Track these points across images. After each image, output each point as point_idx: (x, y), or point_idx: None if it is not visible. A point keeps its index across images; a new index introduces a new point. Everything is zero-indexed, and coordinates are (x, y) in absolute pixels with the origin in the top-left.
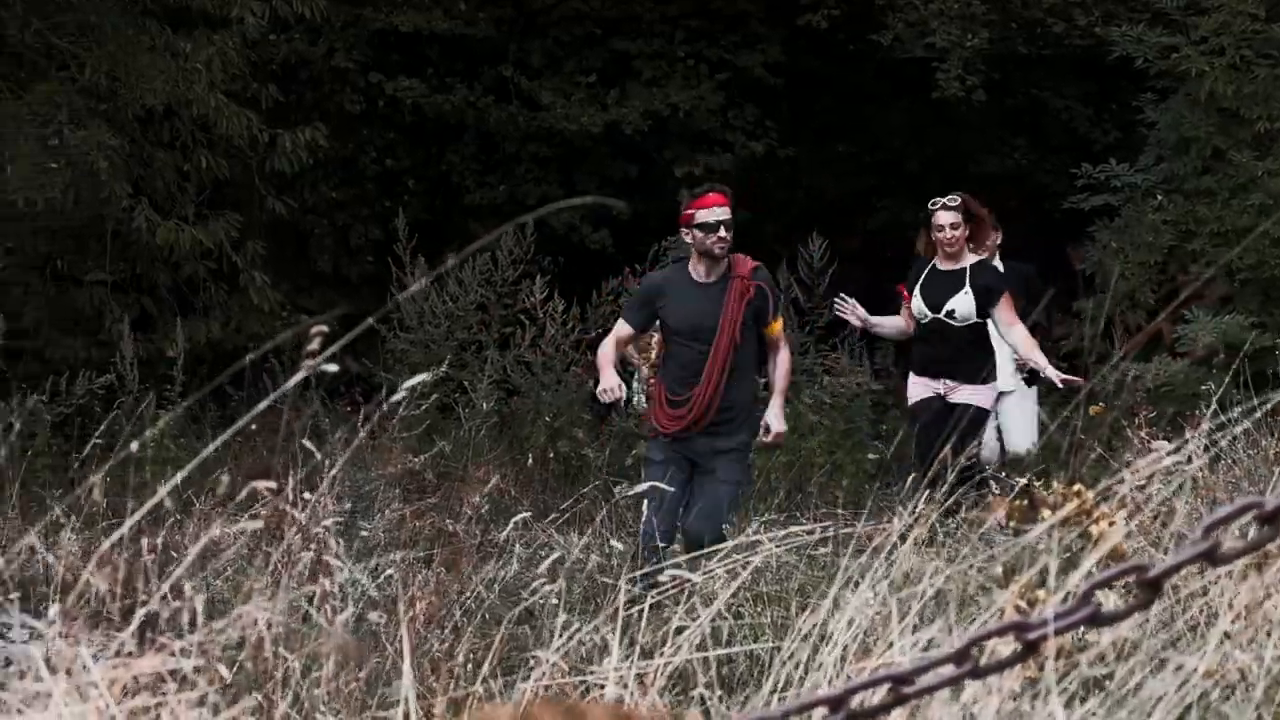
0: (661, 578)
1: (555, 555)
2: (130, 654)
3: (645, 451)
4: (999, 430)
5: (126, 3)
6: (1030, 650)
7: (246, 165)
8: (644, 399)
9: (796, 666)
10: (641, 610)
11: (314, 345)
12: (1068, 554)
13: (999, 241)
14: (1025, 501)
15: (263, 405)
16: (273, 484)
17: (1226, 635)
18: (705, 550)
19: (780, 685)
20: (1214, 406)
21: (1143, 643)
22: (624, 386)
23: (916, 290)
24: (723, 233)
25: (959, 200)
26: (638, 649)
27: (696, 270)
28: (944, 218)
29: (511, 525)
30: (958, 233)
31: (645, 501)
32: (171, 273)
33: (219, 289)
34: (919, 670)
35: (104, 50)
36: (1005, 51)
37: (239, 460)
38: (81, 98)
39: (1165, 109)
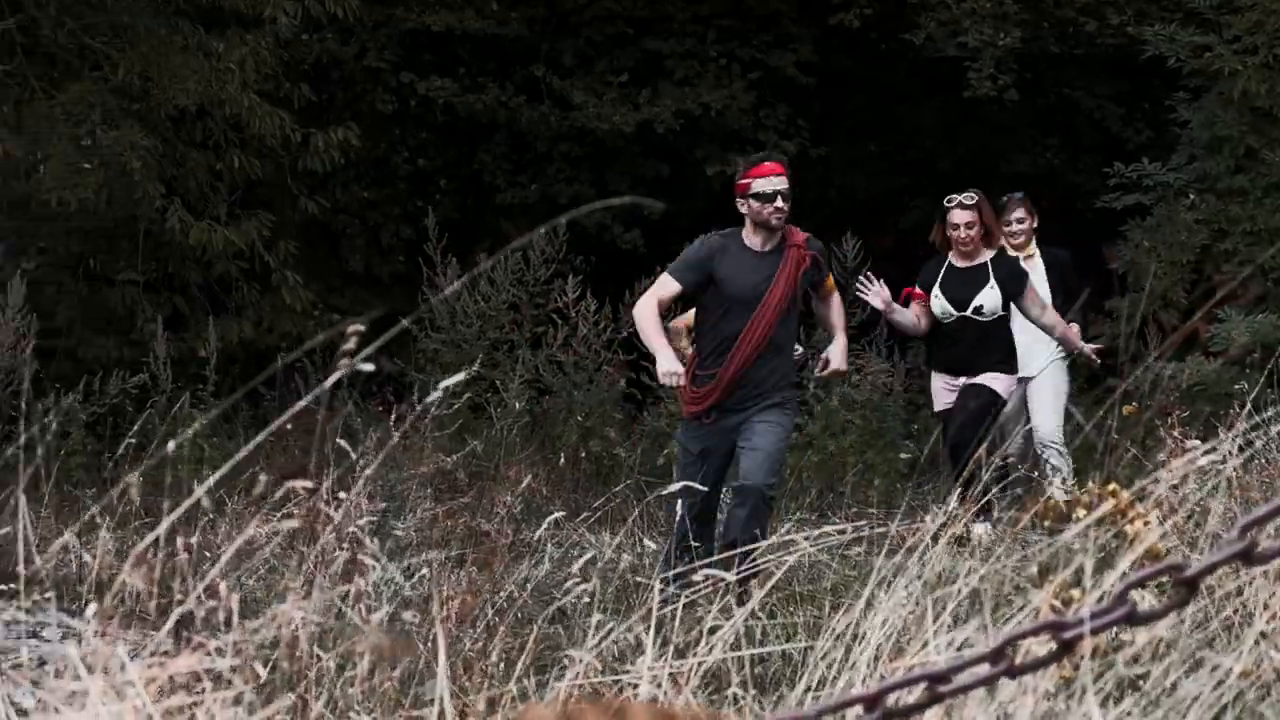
0: (695, 577)
1: (588, 555)
2: (166, 653)
3: (678, 439)
4: (1027, 418)
5: (159, 3)
6: (1066, 650)
7: (279, 165)
8: None
9: (830, 666)
10: (675, 610)
11: (350, 345)
12: (1103, 554)
13: (1034, 225)
14: (1059, 501)
15: (300, 405)
16: (309, 483)
17: (1262, 635)
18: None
19: (814, 685)
20: (1248, 406)
21: (1178, 643)
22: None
23: (936, 290)
24: (779, 203)
25: (975, 199)
26: (671, 648)
27: (751, 240)
28: (959, 216)
29: (545, 525)
30: (973, 232)
31: (679, 500)
32: (204, 272)
33: (251, 288)
34: (955, 669)
35: (137, 51)
36: (1037, 51)
37: (271, 460)
38: (115, 98)
39: (1198, 108)
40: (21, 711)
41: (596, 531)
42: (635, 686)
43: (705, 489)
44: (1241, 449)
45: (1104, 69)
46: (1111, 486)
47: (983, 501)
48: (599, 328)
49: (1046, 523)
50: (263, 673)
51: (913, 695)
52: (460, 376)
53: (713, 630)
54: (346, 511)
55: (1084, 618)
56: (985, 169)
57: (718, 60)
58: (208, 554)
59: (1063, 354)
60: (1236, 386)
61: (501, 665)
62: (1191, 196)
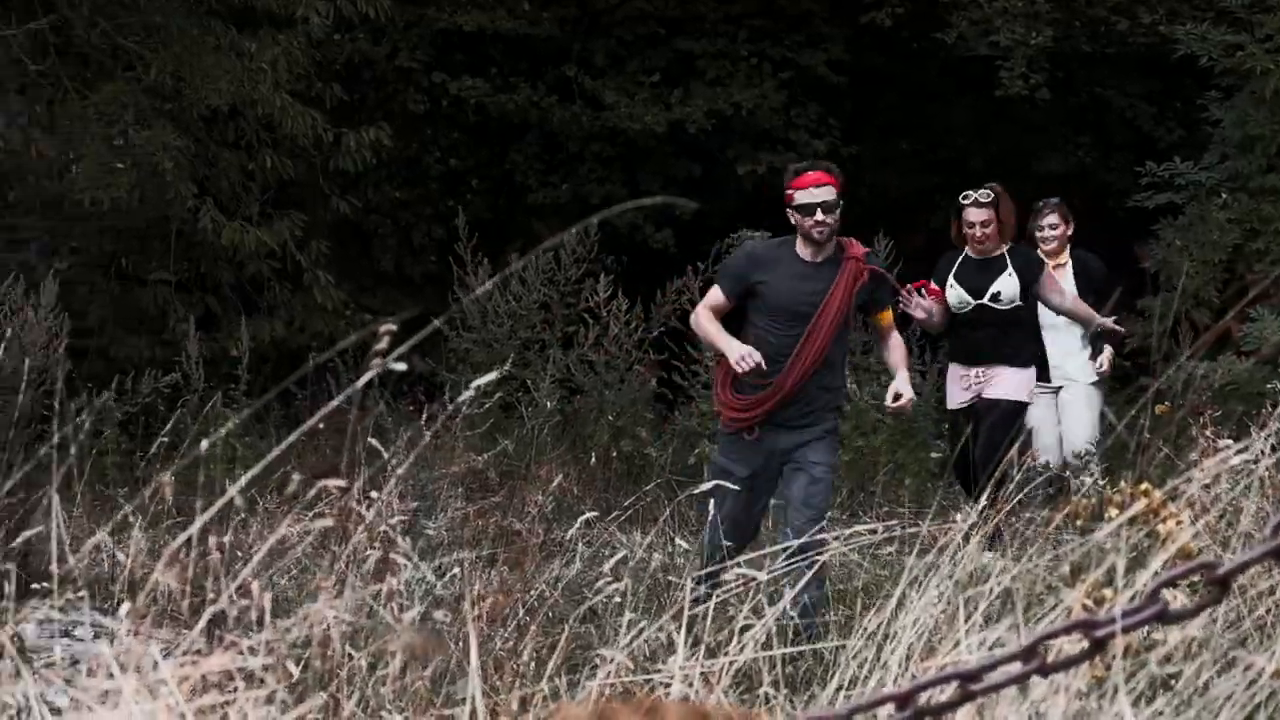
0: (725, 576)
1: (619, 555)
2: (199, 652)
3: (717, 459)
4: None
5: (192, 3)
6: (1098, 648)
7: (311, 165)
8: None
9: (861, 665)
10: (706, 609)
11: (382, 345)
12: (1135, 553)
13: (1069, 232)
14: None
15: (333, 404)
16: (341, 482)
17: None
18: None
19: (845, 684)
20: None
21: (1210, 642)
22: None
23: (951, 280)
24: (820, 215)
25: (992, 196)
26: (703, 648)
27: (803, 250)
28: (975, 215)
29: (577, 525)
30: (989, 230)
31: (711, 503)
32: (235, 272)
33: (283, 288)
34: (986, 668)
35: (169, 51)
36: (1069, 50)
37: (303, 459)
38: (147, 98)
39: (1230, 107)
40: (55, 710)
41: (628, 531)
42: (667, 686)
43: (736, 488)
44: (1274, 448)
45: (1136, 68)
46: (1144, 486)
47: (992, 524)
48: (630, 327)
49: (1079, 522)
50: (295, 671)
51: (944, 694)
52: (491, 376)
53: (744, 629)
54: (378, 511)
55: (1116, 617)
56: (1017, 168)
57: (749, 60)
58: (240, 553)
59: (1090, 352)
60: (1269, 386)
61: (533, 664)
62: (1223, 195)
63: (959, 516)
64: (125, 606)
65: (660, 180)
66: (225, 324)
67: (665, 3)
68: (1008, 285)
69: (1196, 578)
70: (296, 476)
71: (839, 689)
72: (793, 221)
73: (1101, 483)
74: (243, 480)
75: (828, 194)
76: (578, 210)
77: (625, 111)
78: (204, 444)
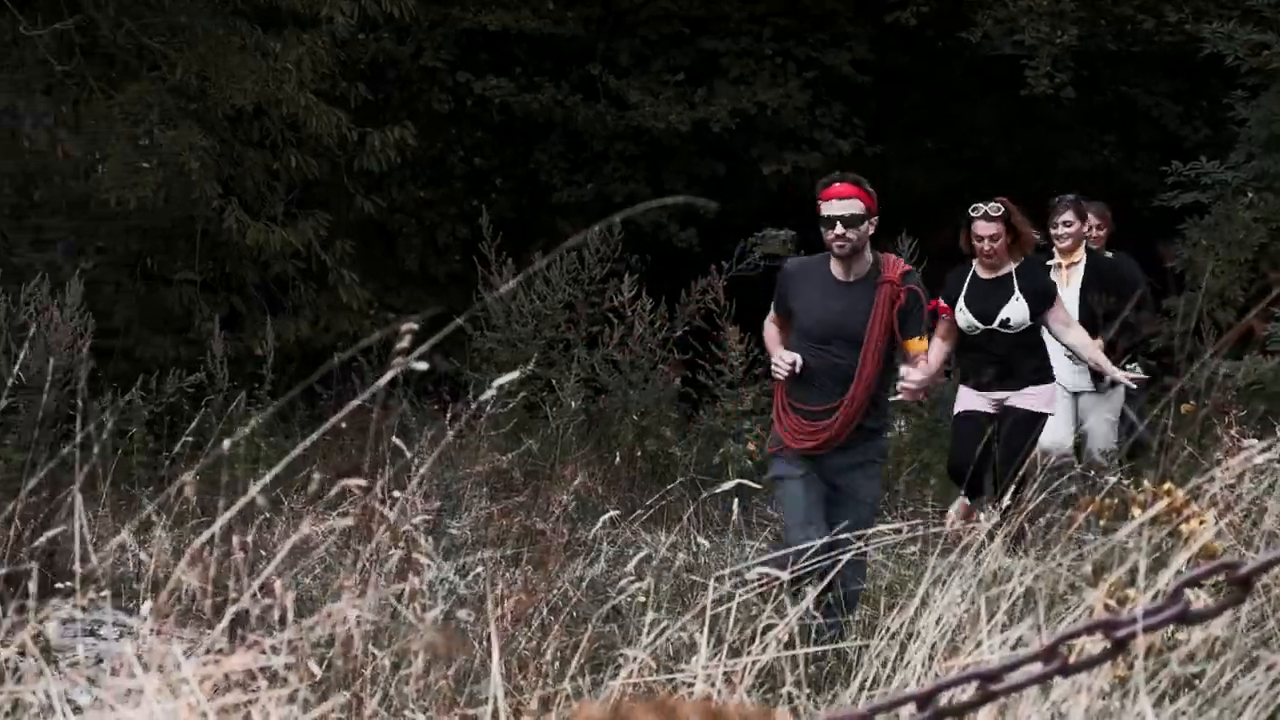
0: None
1: (642, 554)
2: (221, 651)
3: (772, 469)
4: (1078, 431)
5: (217, 3)
6: (1119, 648)
7: (335, 164)
8: None
9: (884, 665)
10: (729, 608)
11: (404, 344)
12: (1158, 553)
13: (1085, 231)
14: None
15: (355, 403)
16: (363, 481)
17: None
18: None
19: (868, 683)
20: None
21: (1233, 642)
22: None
23: (961, 303)
24: (839, 230)
25: (1001, 210)
26: (725, 647)
27: (835, 267)
28: (984, 229)
29: (600, 524)
30: (998, 244)
31: (786, 520)
32: (260, 271)
33: (308, 287)
34: (1007, 668)
35: (194, 50)
36: (1094, 48)
37: (327, 459)
38: (172, 98)
39: (1256, 106)
40: (77, 709)
41: (652, 530)
42: (690, 685)
43: (812, 499)
44: None
45: (1162, 67)
46: (1167, 485)
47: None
48: (655, 327)
49: (1101, 522)
50: (317, 670)
51: (966, 694)
52: (512, 375)
53: (767, 629)
54: (401, 510)
55: (1137, 616)
56: (1042, 167)
57: (773, 59)
58: (264, 553)
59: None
60: None
61: (557, 664)
62: (1249, 194)
63: (982, 516)
64: (147, 605)
65: (684, 179)
66: (250, 324)
67: (689, 2)
68: (1016, 311)
69: (1219, 578)
70: (317, 476)
71: (862, 688)
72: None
73: (1126, 482)
74: (264, 480)
75: (851, 208)
76: (602, 209)
77: (649, 110)
78: (225, 444)
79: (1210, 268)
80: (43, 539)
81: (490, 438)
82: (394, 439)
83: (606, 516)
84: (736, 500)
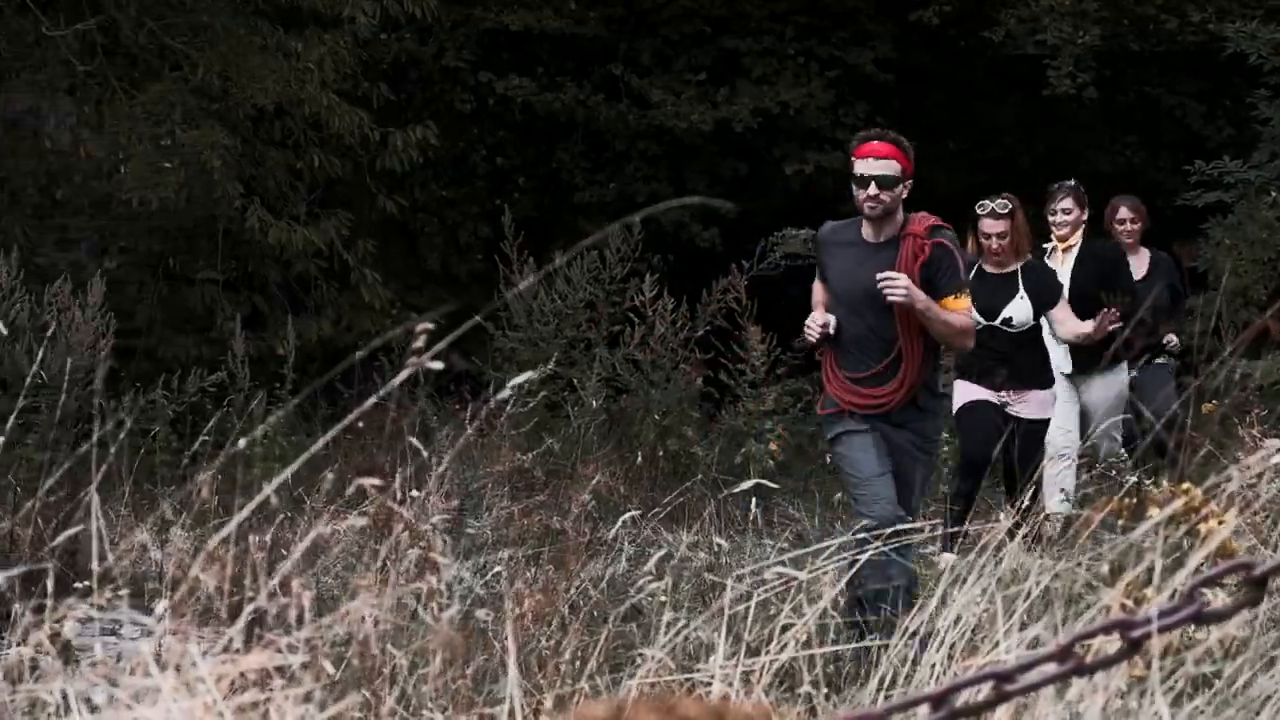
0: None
1: (661, 553)
2: (238, 650)
3: (829, 430)
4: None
5: (239, 3)
6: (1134, 648)
7: (358, 164)
8: None
9: (903, 664)
10: (748, 608)
11: (419, 343)
12: (1177, 553)
13: (1084, 218)
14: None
15: (369, 403)
16: (377, 481)
17: None
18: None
19: (887, 683)
20: None
21: (1252, 641)
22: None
23: None
24: (873, 190)
25: (1009, 207)
26: (744, 646)
27: (865, 229)
28: (991, 226)
29: (620, 523)
30: (1005, 242)
31: (854, 489)
32: (283, 271)
33: (330, 287)
34: (1022, 668)
35: (216, 50)
36: (1117, 48)
37: (349, 458)
38: (194, 98)
39: (1279, 105)
40: (95, 708)
41: (674, 530)
42: (707, 685)
43: (883, 469)
44: None
45: (1184, 66)
46: (1185, 485)
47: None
48: (676, 326)
49: (1120, 521)
50: (330, 669)
51: (981, 694)
52: (530, 374)
53: (785, 628)
54: (420, 509)
55: (1152, 616)
56: (1064, 167)
57: (796, 58)
58: (284, 552)
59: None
60: None
61: (576, 664)
62: (1273, 194)
63: (1001, 516)
64: (162, 604)
65: (707, 179)
66: (272, 323)
67: (711, 1)
68: (1019, 310)
69: (1235, 578)
70: (330, 475)
71: (880, 688)
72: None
73: (1148, 481)
74: (281, 478)
75: (887, 168)
76: (624, 209)
77: (671, 110)
78: (241, 443)
79: (1228, 267)
80: (61, 538)
81: (512, 437)
82: (411, 439)
83: (625, 516)
84: (755, 500)
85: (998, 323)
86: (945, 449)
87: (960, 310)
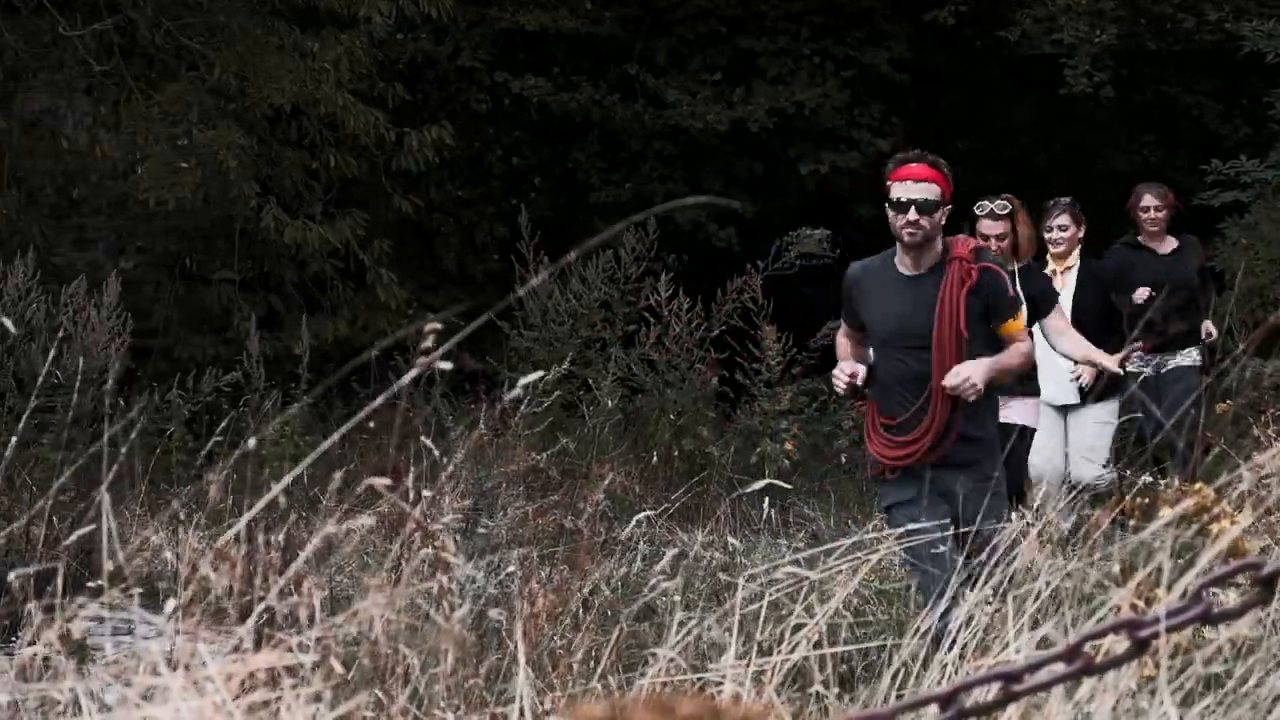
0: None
1: (673, 552)
2: (248, 650)
3: (880, 498)
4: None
5: (255, 3)
6: (1142, 648)
7: (374, 164)
8: None
9: (915, 661)
10: (760, 607)
11: (428, 343)
12: (1191, 552)
13: (1080, 235)
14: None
15: (377, 402)
16: (387, 480)
17: None
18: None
19: (899, 683)
20: None
21: (1262, 641)
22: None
23: None
24: (912, 215)
25: (1009, 208)
26: (756, 646)
27: (903, 261)
28: (990, 227)
29: (634, 523)
30: (1003, 244)
31: (911, 556)
32: (299, 270)
33: (346, 287)
34: (1030, 668)
35: (233, 50)
36: (1134, 47)
37: (364, 457)
38: (211, 98)
39: None
40: (104, 707)
41: (689, 530)
42: (719, 684)
43: (939, 529)
44: None
45: (1202, 65)
46: (1197, 485)
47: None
48: (691, 326)
49: (1131, 521)
50: (340, 669)
51: (990, 694)
52: (539, 375)
53: (797, 628)
54: (431, 508)
55: (1159, 617)
56: (1081, 166)
57: (811, 58)
58: (300, 551)
59: (1079, 385)
60: None
61: (590, 663)
62: None
63: (1014, 517)
64: (171, 604)
65: (722, 179)
66: (289, 323)
67: (727, 1)
68: None
69: (1243, 578)
70: (338, 475)
71: (892, 688)
72: (889, 220)
73: (1163, 482)
74: (287, 479)
75: (927, 191)
76: (640, 209)
77: (687, 110)
78: (251, 442)
79: (1243, 266)
80: (73, 537)
81: (527, 437)
82: (425, 438)
83: (638, 516)
84: (767, 500)
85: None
86: None
87: (1018, 331)
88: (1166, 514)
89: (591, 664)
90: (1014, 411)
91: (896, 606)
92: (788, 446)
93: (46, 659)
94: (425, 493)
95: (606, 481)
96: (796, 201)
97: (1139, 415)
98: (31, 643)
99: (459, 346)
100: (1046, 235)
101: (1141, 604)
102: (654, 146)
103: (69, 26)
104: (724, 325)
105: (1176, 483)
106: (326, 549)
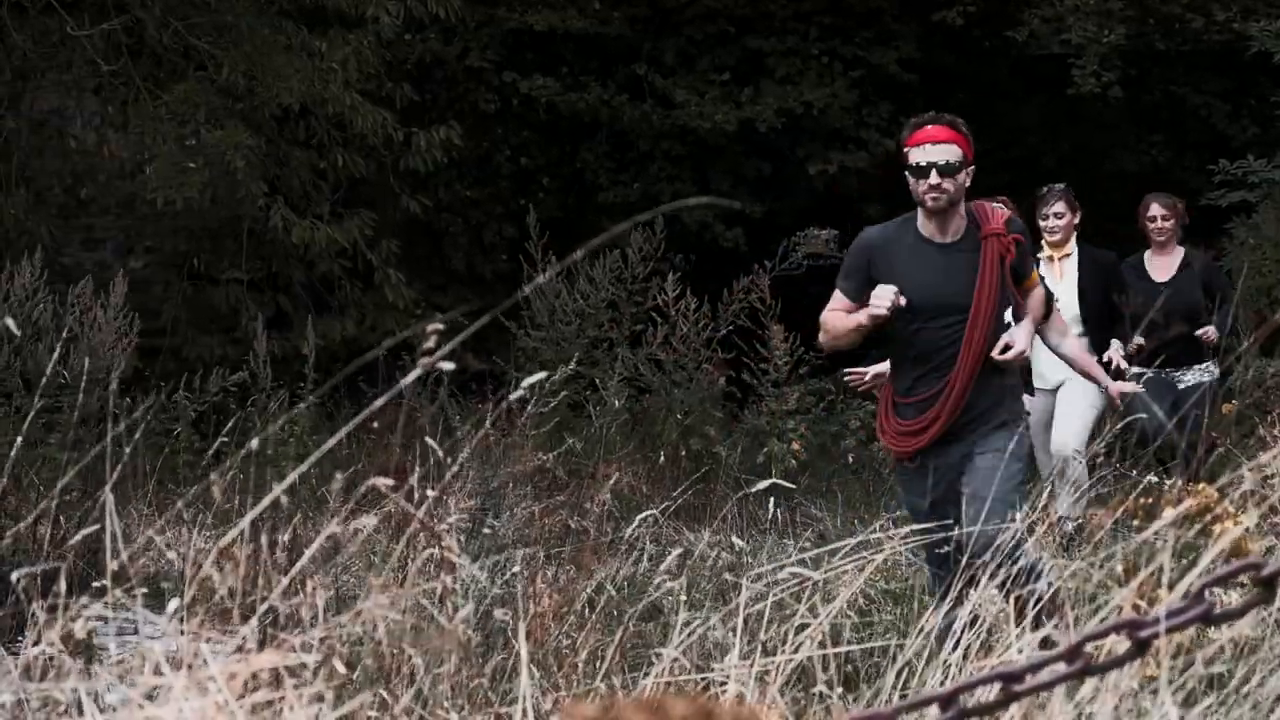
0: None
1: (677, 552)
2: (252, 650)
3: (897, 486)
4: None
5: (263, 3)
6: (1142, 648)
7: (381, 164)
8: None
9: (917, 658)
10: (764, 607)
11: (430, 344)
12: (1193, 552)
13: (1076, 221)
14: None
15: (379, 403)
16: (390, 480)
17: None
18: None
19: (903, 683)
20: None
21: (1264, 640)
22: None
23: None
24: (934, 179)
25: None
26: (760, 646)
27: (927, 227)
28: None
29: (637, 523)
30: None
31: (924, 551)
32: (306, 270)
33: (354, 287)
34: (1030, 668)
35: (241, 50)
36: (1142, 47)
37: (371, 457)
38: (219, 98)
39: None
40: (107, 707)
41: (696, 530)
42: (722, 684)
43: (948, 538)
44: None
45: (1210, 65)
46: (1201, 485)
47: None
48: (699, 326)
49: (1135, 521)
50: (343, 669)
51: (992, 694)
52: (542, 375)
53: (801, 628)
54: (435, 508)
55: (1160, 616)
56: (1089, 167)
57: (819, 58)
58: (304, 551)
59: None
60: None
61: (595, 663)
62: None
63: (1019, 517)
64: (172, 604)
65: (731, 179)
66: (297, 323)
67: (735, 1)
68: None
69: (1244, 578)
70: (339, 475)
71: (896, 688)
72: (910, 187)
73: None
74: (290, 479)
75: (947, 153)
76: (647, 209)
77: (695, 110)
78: (253, 442)
79: (1246, 266)
80: (77, 537)
81: (534, 437)
82: (430, 438)
83: (642, 516)
84: (772, 500)
85: None
86: None
87: (1036, 285)
88: (1169, 514)
89: (597, 664)
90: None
91: (902, 606)
92: (795, 446)
93: (51, 659)
94: (430, 493)
95: (612, 481)
96: (804, 201)
97: (1143, 415)
98: (35, 642)
99: (463, 347)
100: (1042, 223)
101: (1144, 604)
102: (662, 146)
103: (77, 26)
104: (731, 325)
105: (1180, 482)
106: (333, 549)
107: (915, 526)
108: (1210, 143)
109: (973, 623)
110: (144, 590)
